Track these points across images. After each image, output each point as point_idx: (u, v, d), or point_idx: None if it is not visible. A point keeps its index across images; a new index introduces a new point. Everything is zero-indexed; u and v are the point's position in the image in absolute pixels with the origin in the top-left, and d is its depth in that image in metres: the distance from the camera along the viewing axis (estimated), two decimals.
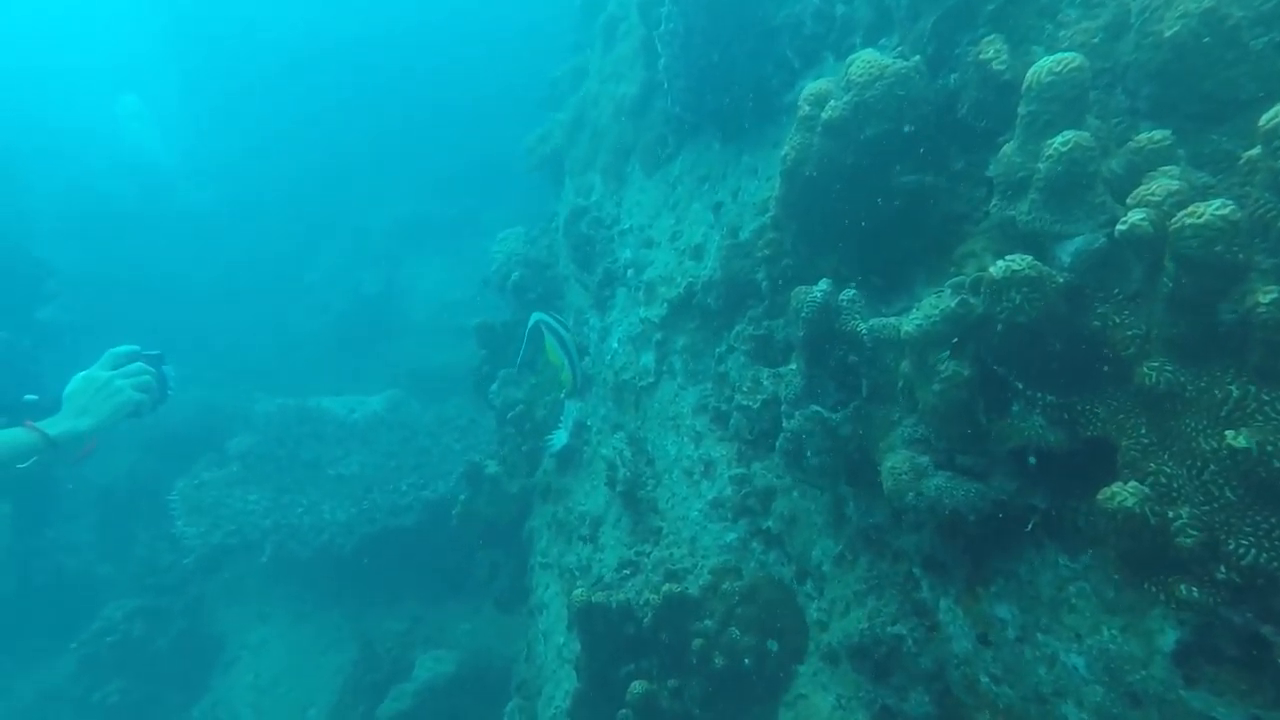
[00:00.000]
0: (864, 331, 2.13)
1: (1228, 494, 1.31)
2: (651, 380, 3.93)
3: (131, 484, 8.14)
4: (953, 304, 1.78)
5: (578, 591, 3.33)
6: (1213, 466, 1.33)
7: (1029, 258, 1.59)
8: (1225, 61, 1.55)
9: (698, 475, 3.48)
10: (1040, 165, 1.65)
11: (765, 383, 2.93)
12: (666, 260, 3.95)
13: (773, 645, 2.84)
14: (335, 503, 6.81)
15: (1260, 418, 1.29)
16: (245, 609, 6.95)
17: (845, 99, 2.08)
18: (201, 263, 11.70)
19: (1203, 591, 1.32)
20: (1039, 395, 1.64)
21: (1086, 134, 1.57)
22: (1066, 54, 1.60)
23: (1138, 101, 1.71)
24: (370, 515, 6.66)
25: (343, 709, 5.96)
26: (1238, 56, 1.55)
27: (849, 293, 2.21)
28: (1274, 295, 1.24)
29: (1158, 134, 1.56)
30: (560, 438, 4.79)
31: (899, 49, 2.17)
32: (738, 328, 3.21)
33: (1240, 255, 1.29)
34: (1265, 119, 1.22)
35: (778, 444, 2.49)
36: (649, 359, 3.96)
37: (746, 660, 2.84)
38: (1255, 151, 1.35)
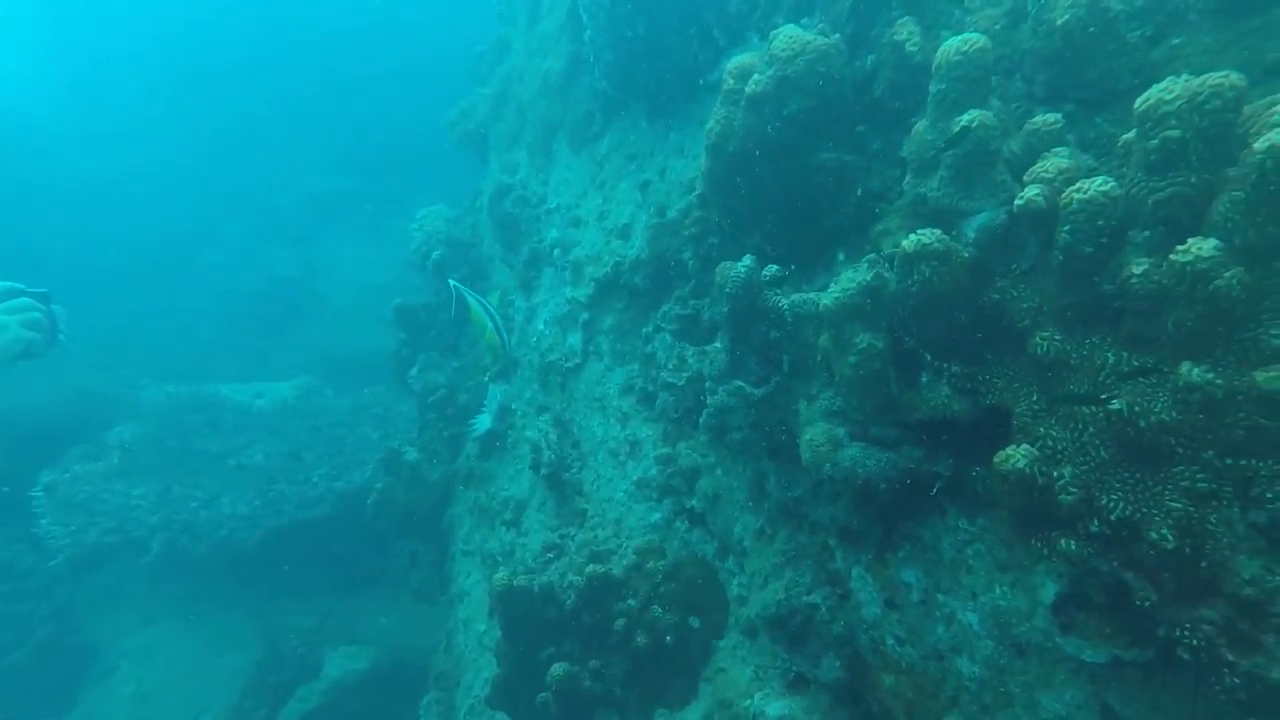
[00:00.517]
0: (785, 307, 2.17)
1: (1102, 453, 1.40)
2: (578, 361, 3.90)
3: None
4: (868, 277, 1.84)
5: (499, 575, 3.27)
6: (1090, 429, 1.43)
7: (938, 231, 1.65)
8: (1106, 52, 1.66)
9: (624, 456, 3.47)
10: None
11: (691, 360, 2.96)
12: (594, 240, 3.92)
13: (694, 621, 2.87)
14: (236, 495, 6.41)
15: (1131, 382, 1.38)
16: (126, 613, 6.38)
17: (769, 73, 2.10)
18: (84, 234, 10.73)
19: (1079, 544, 1.42)
20: (946, 366, 1.71)
21: (989, 112, 1.65)
22: (973, 35, 1.67)
23: (1033, 87, 1.81)
24: (277, 507, 6.32)
25: (241, 714, 5.62)
26: (1117, 48, 1.65)
27: (771, 269, 2.25)
28: (1144, 267, 1.33)
29: (1050, 117, 1.65)
30: (484, 421, 4.68)
31: (820, 27, 2.21)
32: (665, 307, 3.22)
33: (1118, 228, 1.38)
34: (1139, 103, 1.31)
35: (701, 420, 2.51)
36: (576, 340, 3.92)
37: (668, 638, 2.86)
38: (1131, 135, 1.44)
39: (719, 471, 2.88)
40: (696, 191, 3.06)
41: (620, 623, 2.96)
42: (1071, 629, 1.52)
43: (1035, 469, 1.41)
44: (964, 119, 1.69)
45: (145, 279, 10.60)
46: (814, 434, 1.96)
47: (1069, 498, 1.38)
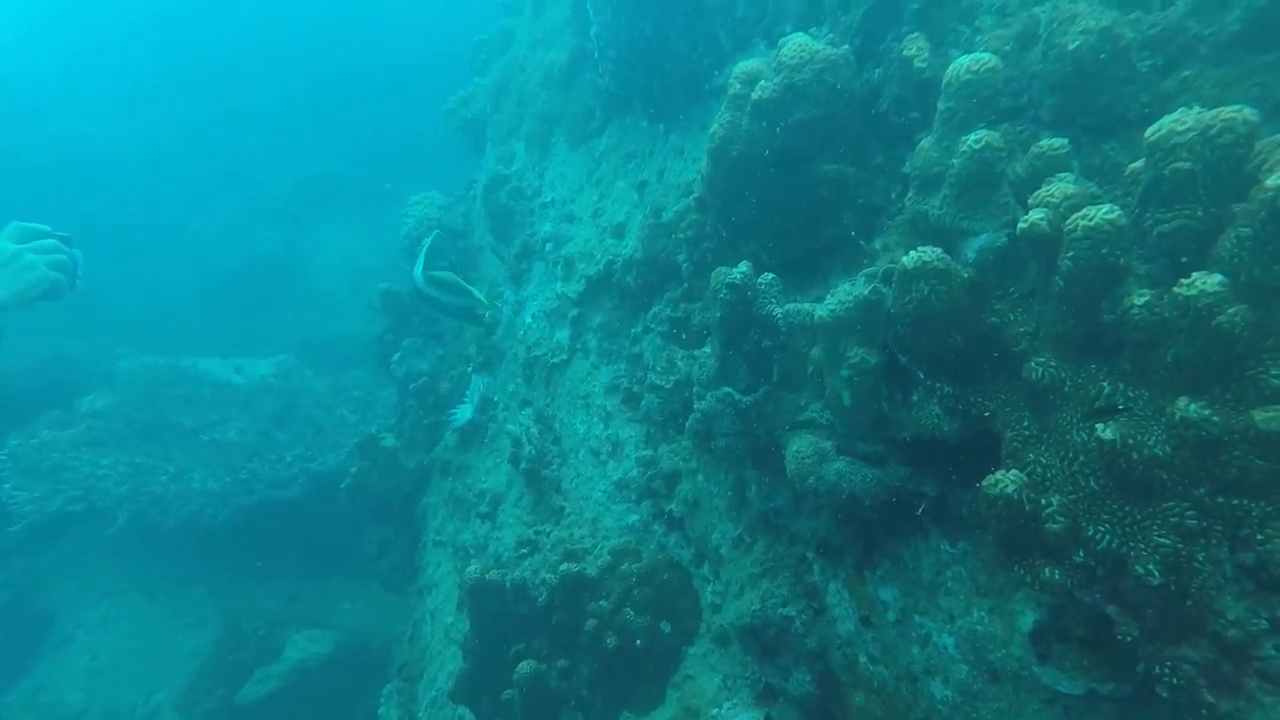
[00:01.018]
0: (779, 316, 2.14)
1: (1092, 483, 1.39)
2: (565, 357, 3.85)
3: None
4: (865, 291, 1.82)
5: (471, 568, 3.21)
6: (1082, 457, 1.41)
7: (939, 250, 1.63)
8: (1117, 79, 1.65)
9: (605, 455, 3.44)
10: (954, 161, 1.70)
11: (679, 364, 2.92)
12: (587, 236, 3.88)
13: (666, 627, 2.84)
14: (207, 471, 6.29)
15: (1125, 413, 1.37)
16: (86, 584, 6.23)
17: (776, 80, 2.07)
18: (68, 199, 10.48)
19: (1063, 574, 1.41)
20: (938, 385, 1.69)
21: (997, 134, 1.63)
22: (983, 54, 1.65)
23: (1040, 111, 1.80)
24: (248, 486, 6.20)
25: (197, 693, 5.51)
26: (1128, 76, 1.65)
27: (767, 277, 2.22)
28: (1147, 298, 1.32)
29: (1057, 142, 1.64)
30: (464, 412, 4.62)
31: (829, 38, 2.19)
32: (655, 309, 3.19)
33: (1121, 259, 1.37)
34: (1149, 132, 1.30)
35: (687, 424, 2.48)
36: (563, 335, 3.88)
37: (639, 641, 2.83)
38: (1138, 164, 1.43)
39: (700, 477, 2.85)
40: (694, 194, 3.03)
41: (591, 623, 2.92)
42: (1048, 659, 1.51)
43: (1024, 495, 1.39)
44: (970, 139, 1.68)
45: (128, 248, 10.37)
46: (800, 446, 1.93)
47: (1056, 526, 1.37)
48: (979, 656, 1.67)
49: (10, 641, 5.91)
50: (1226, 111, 1.22)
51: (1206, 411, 1.18)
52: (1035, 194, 1.55)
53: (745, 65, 2.22)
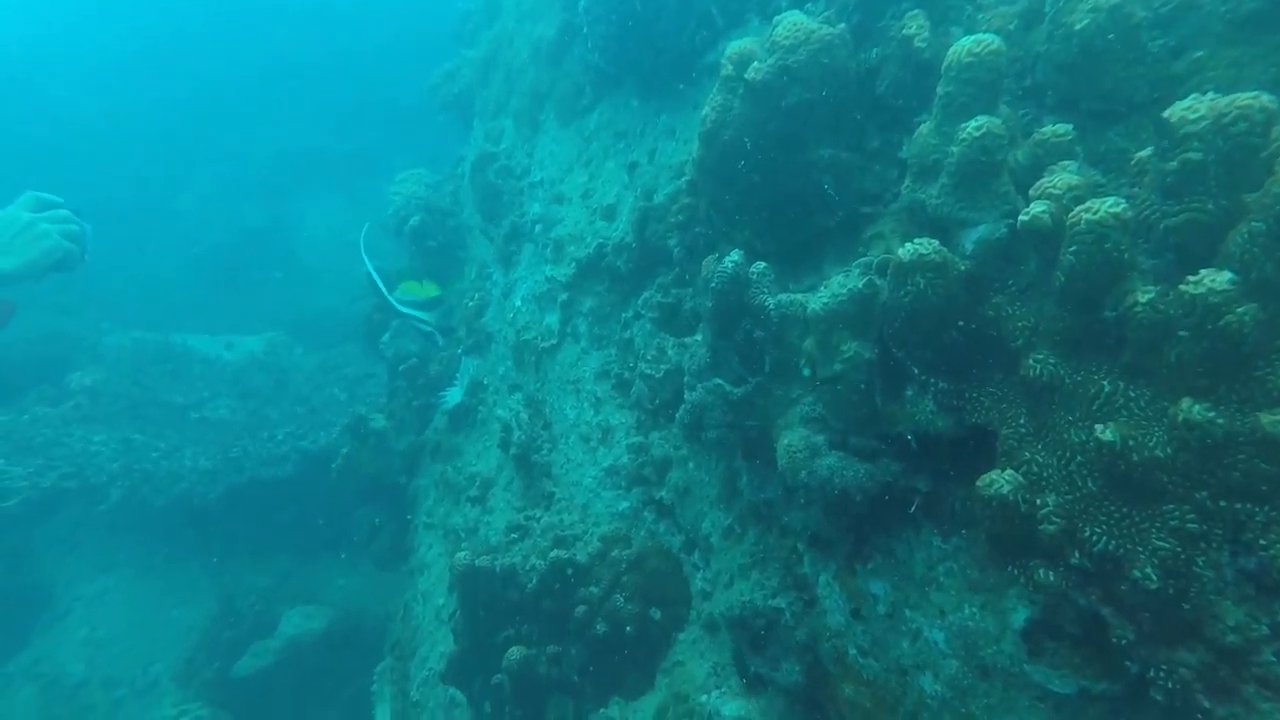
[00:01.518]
0: (771, 307, 2.09)
1: (1089, 484, 1.36)
2: (554, 342, 3.80)
3: None
4: (860, 284, 1.77)
5: (461, 554, 3.19)
6: (1079, 458, 1.38)
7: (935, 242, 1.58)
8: (1125, 61, 1.58)
9: (595, 441, 3.40)
10: (953, 149, 1.64)
11: (670, 352, 2.87)
12: (577, 218, 3.79)
13: (655, 613, 2.84)
14: (199, 449, 6.24)
15: (1126, 413, 1.34)
16: (82, 559, 6.24)
17: (769, 61, 2.00)
18: (51, 169, 10.24)
19: (1057, 575, 1.38)
20: (932, 381, 1.65)
21: (998, 120, 1.57)
22: (986, 35, 1.58)
23: (1044, 94, 1.73)
24: (239, 464, 6.16)
25: (194, 666, 5.54)
26: (1136, 57, 1.58)
27: (759, 266, 2.16)
28: (1151, 296, 1.28)
29: (1061, 128, 1.58)
30: (454, 395, 4.57)
31: (825, 15, 2.11)
32: (646, 294, 3.13)
33: (1125, 254, 1.32)
34: (1165, 115, 1.24)
35: (678, 415, 2.44)
36: (553, 319, 3.82)
37: (628, 628, 2.82)
38: (1146, 153, 1.38)
39: (691, 465, 2.82)
40: (686, 178, 2.95)
41: (581, 610, 2.91)
42: (1040, 656, 1.49)
43: (1019, 496, 1.36)
44: (970, 126, 1.61)
45: (111, 221, 10.16)
46: (792, 439, 1.90)
47: (1051, 528, 1.34)
48: (970, 652, 1.66)
49: (8, 615, 5.91)
50: (1242, 98, 1.17)
51: (1211, 414, 1.15)
52: (1037, 184, 1.49)
53: (738, 45, 2.13)
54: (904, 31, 1.94)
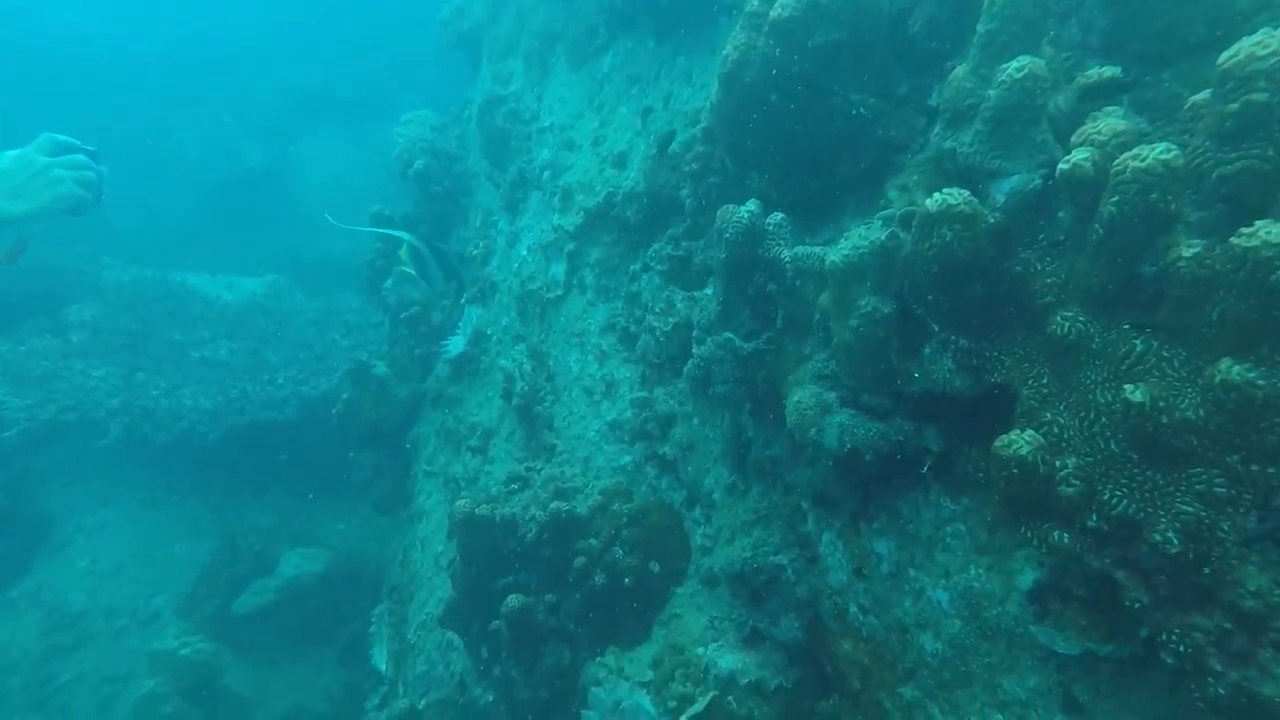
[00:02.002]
0: (787, 259, 2.02)
1: (1112, 446, 1.32)
2: (560, 293, 3.73)
3: None
4: (882, 237, 1.69)
5: (461, 502, 3.19)
6: (1103, 419, 1.33)
7: (966, 192, 1.50)
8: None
9: (599, 395, 3.37)
10: (991, 92, 1.55)
11: (679, 305, 2.81)
12: (587, 165, 3.69)
13: (654, 566, 2.84)
14: (199, 388, 6.23)
15: (1157, 373, 1.29)
16: (82, 490, 6.26)
17: None
18: (50, 100, 9.98)
19: (1072, 537, 1.35)
20: (953, 339, 1.60)
21: (1041, 61, 1.48)
22: None
23: (1090, 35, 1.63)
24: (240, 406, 6.15)
25: (196, 600, 5.63)
26: None
27: (776, 217, 2.09)
28: (1196, 250, 1.22)
29: (1108, 71, 1.49)
30: (457, 344, 4.53)
31: None
32: (656, 245, 3.05)
33: (1173, 205, 1.25)
34: (1223, 59, 1.16)
35: (685, 369, 2.39)
36: (559, 270, 3.74)
37: (627, 580, 2.83)
38: (1203, 96, 1.29)
39: (695, 421, 2.79)
40: (702, 124, 2.85)
41: (580, 561, 2.92)
42: (1045, 617, 1.47)
43: (1038, 457, 1.32)
44: (1011, 67, 1.52)
45: (111, 155, 9.95)
46: (803, 396, 1.85)
47: (1070, 490, 1.30)
48: (973, 612, 1.64)
49: (9, 544, 5.97)
50: None
51: (1252, 374, 1.09)
52: (1080, 130, 1.41)
53: None
54: None
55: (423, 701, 3.57)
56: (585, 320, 3.55)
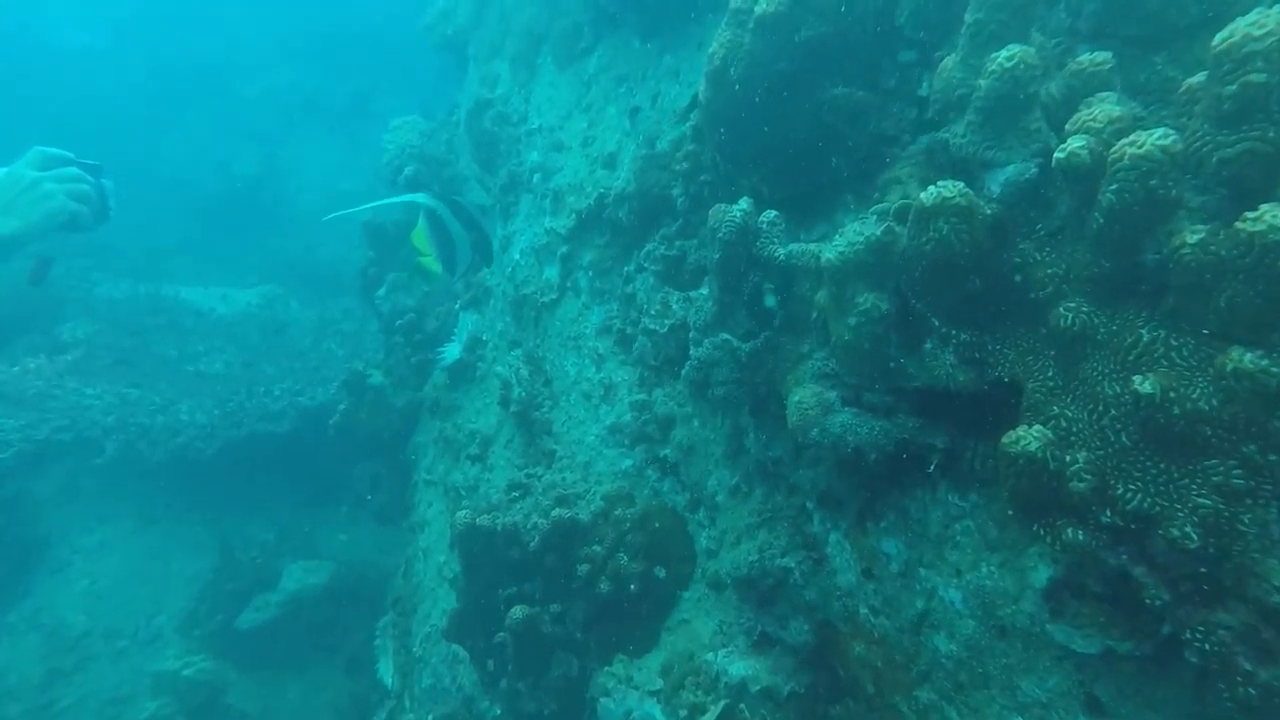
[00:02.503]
0: (781, 258, 1.99)
1: (1123, 439, 1.29)
2: (554, 296, 3.69)
3: None
4: (877, 232, 1.67)
5: (461, 513, 3.16)
6: (1113, 411, 1.31)
7: (960, 184, 1.47)
8: None
9: (597, 399, 3.33)
10: (981, 82, 1.52)
11: (675, 307, 2.78)
12: (577, 167, 3.65)
13: (660, 572, 2.81)
14: (195, 403, 6.17)
15: (1165, 363, 1.26)
16: (79, 511, 6.17)
17: None
18: (45, 103, 9.85)
19: (1087, 534, 1.32)
20: (954, 333, 1.57)
21: (1032, 49, 1.45)
22: None
23: (1079, 20, 1.60)
24: (236, 419, 6.10)
25: (197, 617, 5.58)
26: None
27: (770, 214, 2.06)
28: (1200, 236, 1.19)
29: (1099, 56, 1.46)
30: (453, 351, 4.49)
31: None
32: (649, 246, 3.01)
33: (1173, 191, 1.22)
34: (1218, 39, 1.13)
35: (683, 372, 2.36)
36: (553, 273, 3.71)
37: (633, 586, 2.80)
38: (1198, 78, 1.26)
39: (696, 423, 2.76)
40: (691, 122, 2.81)
41: (584, 568, 2.89)
42: (1062, 615, 1.44)
43: (1048, 453, 1.29)
44: (1002, 56, 1.49)
45: (101, 161, 9.87)
46: (803, 396, 1.82)
47: (1081, 485, 1.27)
48: (987, 612, 1.62)
49: (6, 566, 5.91)
50: None
51: (1264, 362, 1.06)
52: (1075, 118, 1.38)
53: None
54: None
55: (430, 716, 3.54)
56: (581, 323, 3.51)
